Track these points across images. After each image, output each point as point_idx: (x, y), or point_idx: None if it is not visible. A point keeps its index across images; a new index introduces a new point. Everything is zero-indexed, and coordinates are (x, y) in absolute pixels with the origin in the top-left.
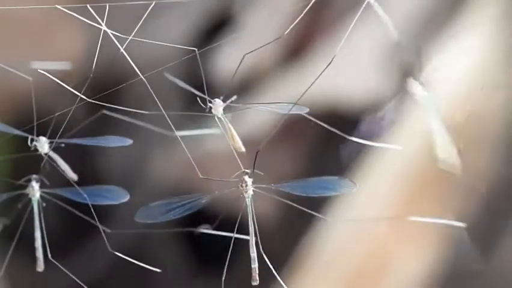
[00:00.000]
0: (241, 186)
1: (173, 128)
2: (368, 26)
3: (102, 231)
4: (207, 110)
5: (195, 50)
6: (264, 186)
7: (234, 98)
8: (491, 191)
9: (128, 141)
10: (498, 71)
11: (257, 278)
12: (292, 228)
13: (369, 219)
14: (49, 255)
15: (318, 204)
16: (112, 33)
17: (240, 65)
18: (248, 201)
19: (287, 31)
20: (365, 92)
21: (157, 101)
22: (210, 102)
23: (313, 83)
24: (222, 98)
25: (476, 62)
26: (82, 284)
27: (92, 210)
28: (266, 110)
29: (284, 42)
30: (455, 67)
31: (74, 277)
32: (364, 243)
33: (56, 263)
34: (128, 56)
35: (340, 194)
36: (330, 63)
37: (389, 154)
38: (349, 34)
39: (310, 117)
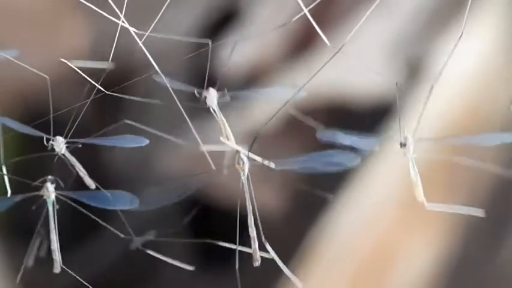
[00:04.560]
0: (238, 164)
1: (199, 141)
2: (373, 21)
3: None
4: (202, 101)
5: (208, 43)
6: (261, 162)
7: (226, 96)
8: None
9: (145, 141)
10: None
11: (258, 257)
12: (297, 219)
13: (386, 203)
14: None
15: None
16: (123, 26)
17: (240, 52)
18: (244, 179)
19: (295, 18)
20: (369, 86)
21: (172, 93)
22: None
23: (319, 70)
24: (216, 87)
25: (479, 61)
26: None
27: (119, 213)
28: (262, 97)
29: (291, 36)
30: (458, 67)
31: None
32: (372, 234)
33: (68, 270)
34: (136, 50)
35: (343, 172)
36: (339, 50)
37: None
38: (355, 29)
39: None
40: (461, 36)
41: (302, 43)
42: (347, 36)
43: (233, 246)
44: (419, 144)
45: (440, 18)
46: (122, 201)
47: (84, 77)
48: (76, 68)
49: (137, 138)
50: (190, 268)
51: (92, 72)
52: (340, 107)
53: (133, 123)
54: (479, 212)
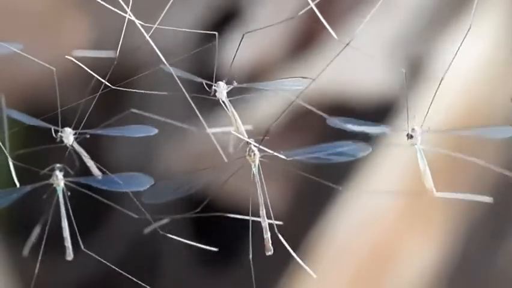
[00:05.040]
0: (249, 155)
1: (205, 125)
2: (374, 20)
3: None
4: (212, 93)
5: (215, 34)
6: (272, 153)
7: (235, 83)
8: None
9: (154, 130)
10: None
11: (271, 247)
12: (297, 219)
13: (396, 193)
14: (82, 246)
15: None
16: (128, 21)
17: (244, 48)
18: (255, 170)
19: (301, 12)
20: (372, 85)
21: (180, 86)
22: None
23: (331, 61)
24: (225, 81)
25: (481, 57)
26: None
27: (133, 197)
28: (271, 90)
29: (293, 34)
30: (460, 65)
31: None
32: (373, 234)
33: (89, 252)
34: (141, 44)
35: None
36: (347, 44)
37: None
38: (358, 28)
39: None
40: (469, 29)
41: (305, 40)
42: (348, 34)
43: (246, 217)
44: (426, 136)
45: (441, 16)
46: (134, 183)
47: (90, 73)
48: (81, 65)
49: (145, 127)
50: (214, 249)
51: (98, 67)
52: (342, 105)
53: (140, 112)
54: (487, 199)
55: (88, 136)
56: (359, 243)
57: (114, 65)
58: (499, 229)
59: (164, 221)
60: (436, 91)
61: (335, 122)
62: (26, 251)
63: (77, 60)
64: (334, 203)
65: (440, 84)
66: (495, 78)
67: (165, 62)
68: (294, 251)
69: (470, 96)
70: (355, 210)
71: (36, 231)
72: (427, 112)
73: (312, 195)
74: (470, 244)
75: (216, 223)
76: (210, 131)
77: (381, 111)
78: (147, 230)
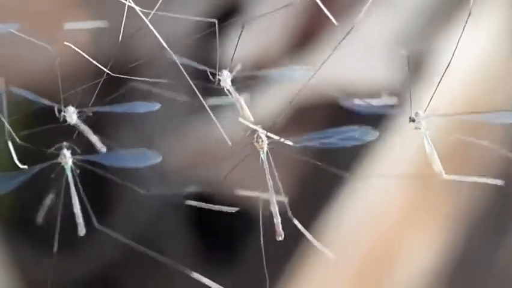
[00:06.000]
0: (257, 142)
1: (202, 99)
2: (375, 16)
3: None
4: (216, 82)
5: (214, 22)
6: (279, 140)
7: (239, 67)
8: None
9: (156, 105)
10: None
11: (282, 232)
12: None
13: (403, 176)
14: (95, 222)
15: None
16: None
17: (246, 41)
18: (264, 157)
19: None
20: (372, 81)
21: (184, 73)
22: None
23: (333, 51)
24: (228, 69)
25: (482, 53)
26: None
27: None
28: (274, 79)
29: (295, 26)
30: (462, 58)
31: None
32: (374, 232)
33: (103, 229)
34: (143, 34)
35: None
36: (349, 32)
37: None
38: (357, 24)
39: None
40: (469, 14)
41: (307, 32)
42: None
43: (257, 194)
44: (431, 120)
45: (442, 13)
46: (142, 158)
47: (93, 56)
48: (84, 54)
49: (147, 103)
50: (234, 210)
51: (100, 51)
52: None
53: (140, 84)
54: (497, 182)
55: (91, 114)
56: (359, 243)
57: (115, 53)
58: (500, 228)
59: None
60: (442, 76)
61: (349, 101)
62: (40, 218)
63: (78, 43)
64: (340, 191)
65: (444, 74)
66: (496, 72)
67: (167, 47)
68: (300, 240)
69: (471, 91)
70: (358, 203)
71: (50, 198)
72: (431, 98)
73: (317, 182)
74: (471, 241)
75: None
76: (216, 101)
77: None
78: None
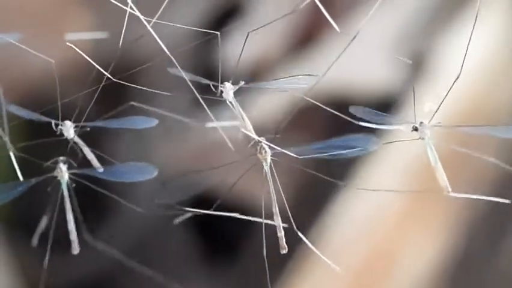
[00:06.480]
0: (260, 153)
1: (209, 112)
2: (377, 17)
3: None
4: (218, 94)
5: (217, 34)
6: (282, 150)
7: (242, 83)
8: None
9: (154, 121)
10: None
11: (285, 245)
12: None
13: (406, 192)
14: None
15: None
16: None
17: (245, 46)
18: (267, 168)
19: (302, 5)
20: (374, 82)
21: (187, 81)
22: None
23: (338, 57)
24: (231, 81)
25: (484, 55)
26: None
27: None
28: (276, 89)
29: (295, 31)
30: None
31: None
32: (374, 232)
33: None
34: (143, 42)
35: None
36: (354, 38)
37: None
38: (363, 21)
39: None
40: (476, 19)
41: (308, 37)
42: (351, 30)
43: (257, 219)
44: (434, 130)
45: (444, 13)
46: (139, 172)
47: (91, 66)
48: (85, 56)
49: (146, 119)
50: (236, 215)
51: (100, 60)
52: (343, 104)
53: (140, 105)
54: (505, 201)
55: (88, 129)
56: (361, 240)
57: (116, 59)
58: (501, 228)
59: (188, 215)
60: (453, 84)
61: (359, 110)
62: (35, 240)
63: (77, 53)
64: (337, 200)
65: (455, 82)
66: (500, 75)
67: (170, 55)
68: (297, 247)
69: (475, 93)
70: (357, 208)
71: (45, 220)
72: (438, 108)
73: (315, 191)
74: (472, 241)
75: (219, 222)
76: (215, 124)
77: (385, 107)
78: (177, 221)
